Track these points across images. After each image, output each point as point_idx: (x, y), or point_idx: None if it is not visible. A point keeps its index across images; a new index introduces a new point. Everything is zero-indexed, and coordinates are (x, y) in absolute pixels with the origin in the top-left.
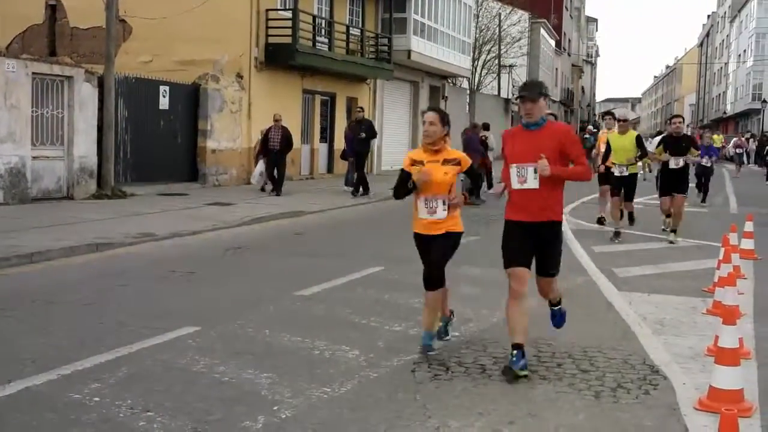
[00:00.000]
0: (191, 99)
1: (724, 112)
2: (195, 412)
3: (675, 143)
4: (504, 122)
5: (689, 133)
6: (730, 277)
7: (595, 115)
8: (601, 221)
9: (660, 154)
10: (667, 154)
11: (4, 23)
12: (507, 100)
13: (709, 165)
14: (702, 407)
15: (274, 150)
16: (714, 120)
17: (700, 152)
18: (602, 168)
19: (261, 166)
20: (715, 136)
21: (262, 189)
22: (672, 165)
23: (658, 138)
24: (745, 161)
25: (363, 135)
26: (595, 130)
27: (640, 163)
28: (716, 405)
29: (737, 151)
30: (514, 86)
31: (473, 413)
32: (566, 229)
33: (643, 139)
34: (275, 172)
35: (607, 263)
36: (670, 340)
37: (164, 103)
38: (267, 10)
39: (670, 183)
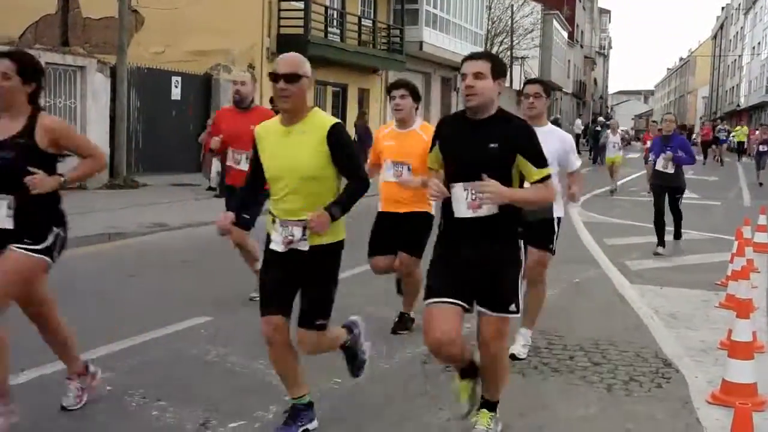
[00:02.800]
0: (203, 89)
1: (738, 105)
2: (207, 402)
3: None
4: (516, 114)
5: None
6: (744, 270)
7: (607, 107)
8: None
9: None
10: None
11: (17, 13)
12: (519, 92)
13: (671, 171)
14: (715, 401)
15: None
16: (727, 113)
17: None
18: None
19: (216, 163)
20: (738, 128)
21: (211, 188)
22: (465, 212)
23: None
24: None
25: None
26: (607, 122)
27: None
28: (729, 399)
29: (761, 148)
30: (526, 78)
31: None
32: (577, 220)
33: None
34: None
35: (620, 256)
36: (682, 334)
37: (176, 93)
38: (279, 1)
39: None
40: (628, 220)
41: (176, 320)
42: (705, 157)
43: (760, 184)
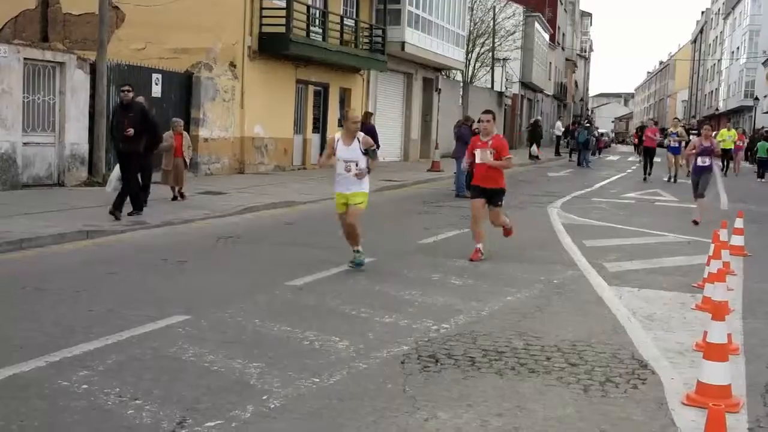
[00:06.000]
0: (184, 87)
1: (717, 109)
2: (184, 401)
3: None
4: (497, 115)
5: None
6: (720, 273)
7: (588, 109)
8: None
9: None
10: None
11: None
12: (500, 94)
13: None
14: (690, 402)
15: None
16: (706, 116)
17: None
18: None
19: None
20: (725, 131)
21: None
22: None
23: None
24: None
25: (131, 131)
26: (588, 125)
27: None
28: (704, 400)
29: (701, 161)
30: (507, 80)
31: (462, 405)
32: (557, 222)
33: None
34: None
35: (598, 257)
36: (659, 335)
37: (157, 90)
38: None
39: None
40: (607, 222)
41: (154, 318)
42: (647, 171)
43: (696, 222)
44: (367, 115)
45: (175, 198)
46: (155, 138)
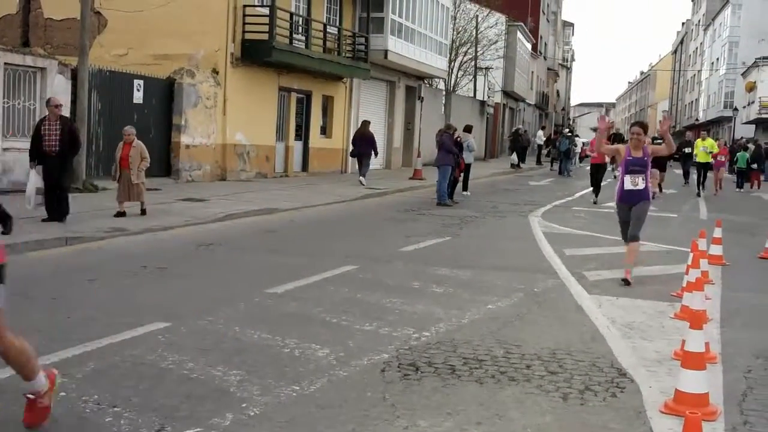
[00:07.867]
0: (166, 94)
1: (697, 119)
2: (162, 409)
3: None
4: (479, 124)
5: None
6: (698, 282)
7: (569, 119)
8: None
9: None
10: None
11: None
12: (482, 102)
13: None
14: (667, 410)
15: (52, 153)
16: (686, 126)
17: None
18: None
19: (34, 178)
20: (700, 141)
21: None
22: None
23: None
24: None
25: None
26: (570, 134)
27: None
28: (681, 408)
29: (631, 185)
30: (489, 89)
31: (442, 413)
32: (537, 231)
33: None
34: (58, 187)
35: (578, 266)
36: (637, 344)
37: (138, 97)
38: (244, 6)
39: None
40: (587, 231)
41: (134, 326)
42: (596, 191)
43: (627, 282)
44: (365, 124)
45: (120, 214)
46: (74, 144)
